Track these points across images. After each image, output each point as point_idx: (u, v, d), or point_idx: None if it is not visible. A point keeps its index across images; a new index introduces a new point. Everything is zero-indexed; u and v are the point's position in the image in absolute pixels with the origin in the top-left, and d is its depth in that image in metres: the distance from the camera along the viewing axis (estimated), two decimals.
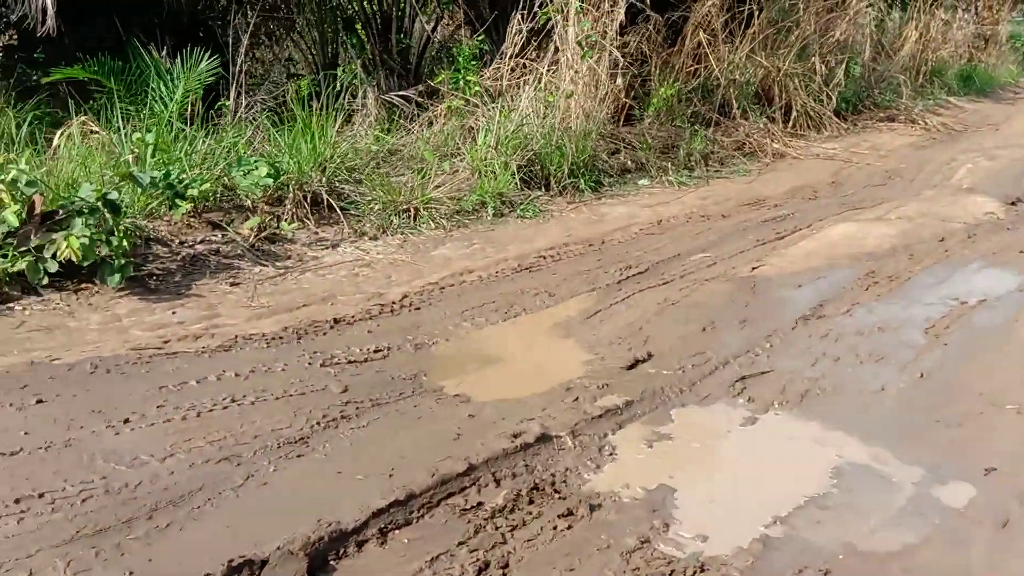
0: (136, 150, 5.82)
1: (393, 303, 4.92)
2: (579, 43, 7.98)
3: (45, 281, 4.58)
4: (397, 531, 2.73)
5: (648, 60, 9.70)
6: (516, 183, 7.25)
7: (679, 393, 3.83)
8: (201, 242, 5.55)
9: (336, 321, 4.59)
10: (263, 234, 5.69)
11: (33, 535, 2.47)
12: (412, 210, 6.43)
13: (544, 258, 5.87)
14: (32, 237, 4.63)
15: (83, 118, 6.98)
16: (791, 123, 10.73)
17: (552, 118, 7.94)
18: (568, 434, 3.39)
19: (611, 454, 3.31)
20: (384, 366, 4.09)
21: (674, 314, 4.82)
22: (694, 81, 10.06)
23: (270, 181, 5.74)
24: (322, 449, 3.21)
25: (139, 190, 5.40)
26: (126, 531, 2.57)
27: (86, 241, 4.55)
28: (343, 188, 6.40)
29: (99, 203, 4.79)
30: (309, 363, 4.01)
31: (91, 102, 7.53)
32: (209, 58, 7.71)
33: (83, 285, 4.74)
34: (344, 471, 3.05)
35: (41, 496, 2.66)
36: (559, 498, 2.99)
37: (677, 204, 7.56)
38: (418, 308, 4.90)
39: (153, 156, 5.84)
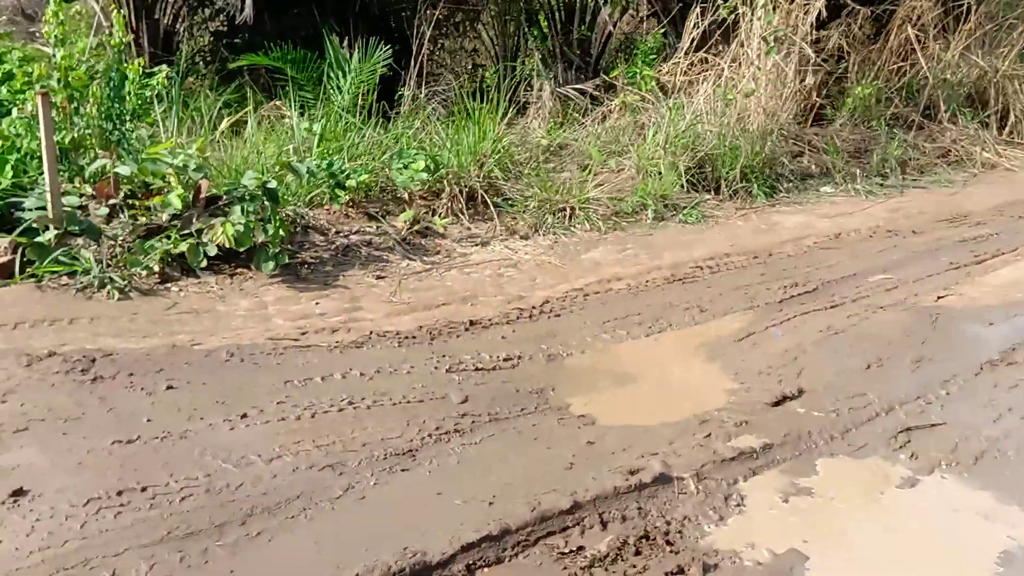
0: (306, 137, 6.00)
1: (533, 308, 4.75)
2: (764, 38, 7.43)
3: (204, 264, 4.77)
4: (486, 569, 2.55)
5: (845, 56, 8.95)
6: (682, 185, 6.87)
7: (829, 440, 3.40)
8: (355, 232, 5.62)
9: (472, 323, 4.48)
10: (416, 227, 5.69)
11: (125, 532, 2.50)
12: (568, 209, 6.22)
13: (701, 268, 5.49)
14: (195, 221, 4.83)
15: (276, 103, 7.31)
16: (1007, 130, 9.57)
17: (729, 116, 7.47)
18: (692, 476, 3.08)
19: (738, 505, 2.96)
20: (512, 376, 3.92)
21: (837, 345, 4.33)
22: (897, 80, 9.18)
23: (424, 176, 5.71)
24: (428, 465, 3.08)
25: (306, 178, 5.53)
26: (216, 536, 2.55)
27: (241, 228, 4.69)
28: (500, 184, 6.29)
29: (259, 191, 4.92)
30: (435, 367, 3.91)
31: (284, 90, 7.87)
32: (395, 49, 7.84)
33: (239, 270, 4.90)
34: (444, 492, 2.90)
35: (144, 490, 2.70)
36: (671, 551, 2.69)
37: (861, 216, 6.88)
38: (558, 315, 4.70)
39: (319, 146, 5.97)
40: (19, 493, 2.61)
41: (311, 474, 2.93)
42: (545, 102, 9.00)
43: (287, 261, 4.98)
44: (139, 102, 6.70)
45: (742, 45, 7.71)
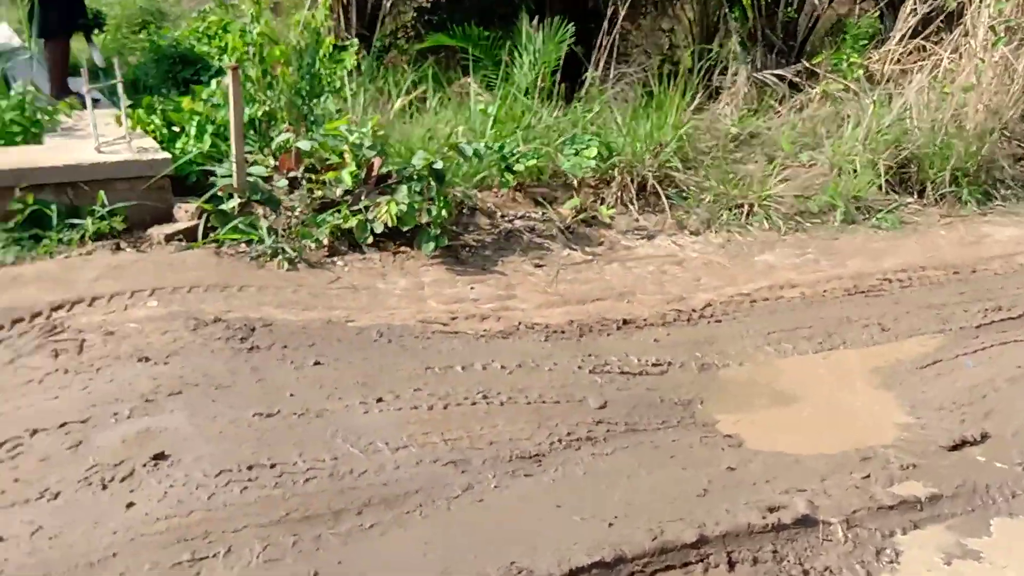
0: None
1: (692, 311, 4.49)
2: (992, 27, 6.61)
3: (370, 240, 4.88)
4: None
5: None
6: (880, 185, 6.28)
7: (1010, 498, 2.97)
8: (520, 217, 5.56)
9: (625, 322, 4.30)
10: (581, 216, 5.55)
11: (248, 508, 2.57)
12: (746, 206, 5.85)
13: (889, 281, 4.99)
14: (363, 197, 4.95)
15: (468, 81, 7.39)
16: None
17: (943, 112, 6.73)
18: (841, 522, 2.78)
19: (892, 562, 2.64)
20: (658, 384, 3.73)
21: None
22: None
23: (593, 164, 5.55)
24: (552, 472, 2.97)
25: (473, 160, 5.53)
26: (331, 523, 2.58)
27: (404, 208, 4.74)
28: (675, 175, 6.00)
29: (426, 171, 4.96)
30: (579, 367, 3.78)
31: (476, 67, 7.93)
32: (588, 27, 7.70)
33: (402, 248, 4.97)
34: (564, 505, 2.79)
35: (272, 467, 2.78)
36: None
37: None
38: (719, 320, 4.42)
39: (492, 127, 5.95)
40: (160, 457, 2.76)
41: (433, 469, 2.90)
42: (739, 87, 8.54)
43: (448, 243, 5.00)
44: (329, 78, 6.97)
45: (966, 34, 6.90)
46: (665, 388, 3.69)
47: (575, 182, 5.82)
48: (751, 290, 4.77)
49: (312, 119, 5.71)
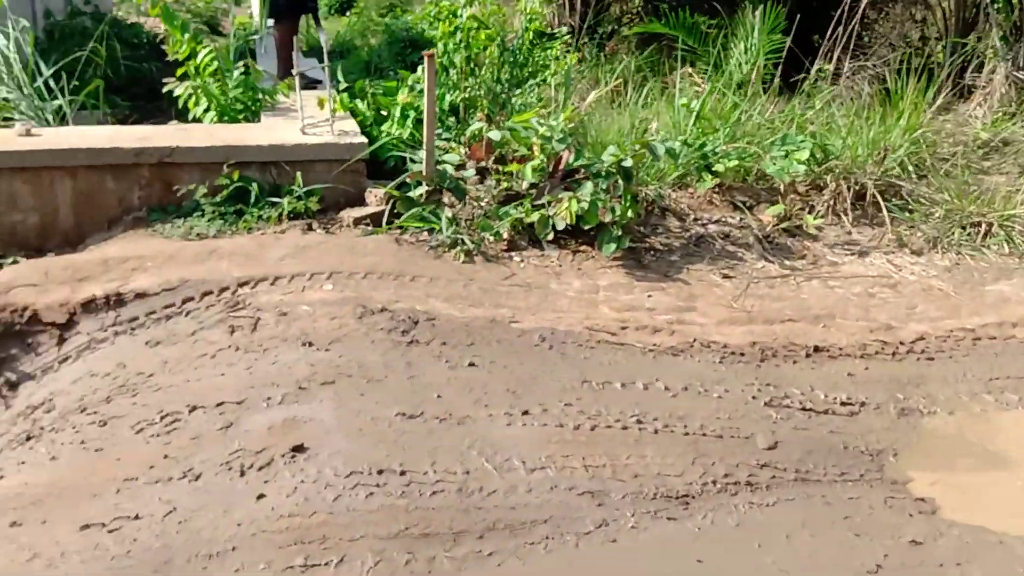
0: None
1: (900, 343, 3.96)
2: None
3: (551, 236, 4.72)
4: None
5: None
6: None
7: None
8: (715, 222, 5.18)
9: (816, 349, 3.86)
10: (784, 224, 5.07)
11: (369, 516, 2.50)
12: (984, 225, 5.09)
13: None
14: (546, 193, 4.80)
15: (688, 71, 7.05)
16: None
17: None
18: None
19: None
20: (845, 427, 3.29)
21: None
22: None
23: (802, 169, 5.04)
24: (700, 519, 2.67)
25: (666, 159, 5.21)
26: (449, 544, 2.45)
27: (585, 206, 4.54)
28: (901, 184, 5.34)
29: (614, 168, 4.72)
30: (753, 397, 3.42)
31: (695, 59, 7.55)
32: (820, 15, 7.08)
33: (583, 247, 4.78)
34: (707, 562, 2.49)
35: (402, 474, 2.69)
36: None
37: None
38: (931, 358, 3.86)
39: (695, 123, 5.59)
40: (299, 449, 2.76)
41: (568, 497, 2.70)
42: (996, 87, 7.56)
43: (631, 245, 4.74)
44: (536, 66, 6.86)
45: None
46: (852, 433, 3.25)
47: (781, 186, 5.34)
48: (976, 325, 4.13)
49: (512, 108, 5.64)
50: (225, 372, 3.29)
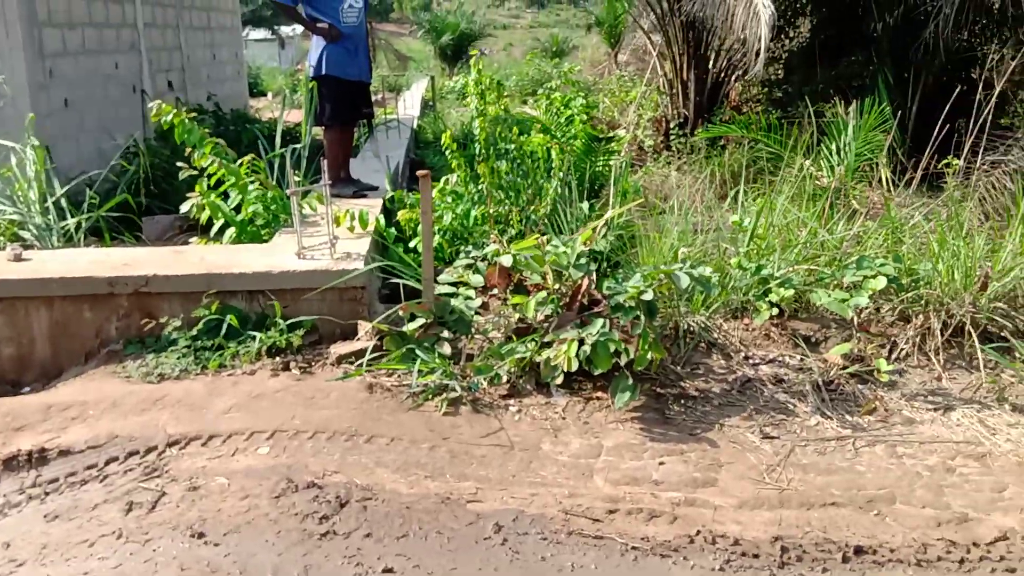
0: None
1: (974, 544, 2.94)
2: None
3: (559, 380, 3.98)
4: None
5: None
6: None
7: None
8: (769, 361, 4.28)
9: (858, 552, 2.92)
10: (853, 367, 4.11)
11: None
12: None
13: None
14: (553, 329, 4.09)
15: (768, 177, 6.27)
16: None
17: None
18: None
19: None
20: None
21: None
22: None
23: (863, 302, 4.07)
24: None
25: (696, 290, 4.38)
26: None
27: (587, 349, 3.79)
28: (1006, 321, 4.24)
29: (632, 301, 3.96)
30: None
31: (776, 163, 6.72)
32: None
33: (599, 393, 4.01)
34: None
35: None
36: None
37: None
38: (1012, 570, 2.82)
39: (749, 243, 4.74)
40: None
41: None
42: None
43: (658, 391, 3.95)
44: (599, 170, 6.23)
45: None
46: None
47: (855, 319, 4.38)
48: None
49: (531, 225, 5.01)
50: (91, 570, 2.74)
